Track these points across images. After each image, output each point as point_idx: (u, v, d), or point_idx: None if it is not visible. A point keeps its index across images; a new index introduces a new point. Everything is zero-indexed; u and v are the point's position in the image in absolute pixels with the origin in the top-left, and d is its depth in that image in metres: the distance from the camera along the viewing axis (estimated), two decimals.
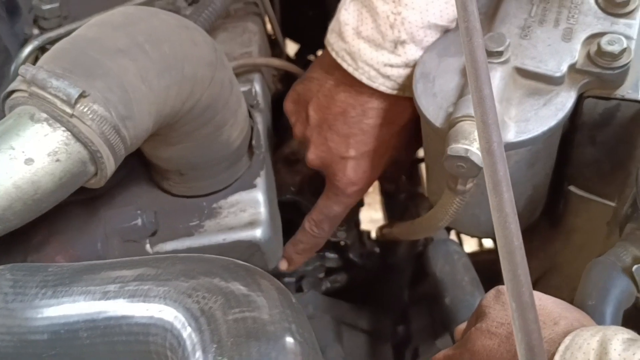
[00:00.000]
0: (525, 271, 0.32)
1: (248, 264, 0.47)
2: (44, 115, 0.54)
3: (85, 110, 0.54)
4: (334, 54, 0.73)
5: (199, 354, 0.40)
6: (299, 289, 0.95)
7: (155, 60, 0.59)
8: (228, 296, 0.42)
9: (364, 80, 0.71)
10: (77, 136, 0.55)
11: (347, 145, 0.78)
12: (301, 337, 0.41)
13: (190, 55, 0.62)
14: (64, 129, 0.54)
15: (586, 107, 0.69)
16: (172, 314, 0.42)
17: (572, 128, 0.71)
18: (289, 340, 0.40)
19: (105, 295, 0.46)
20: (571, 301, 0.61)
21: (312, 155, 0.81)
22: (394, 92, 0.71)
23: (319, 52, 1.42)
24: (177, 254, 0.58)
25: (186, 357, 0.40)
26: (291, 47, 1.47)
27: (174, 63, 0.60)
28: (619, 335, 0.45)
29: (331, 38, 0.73)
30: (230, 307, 0.41)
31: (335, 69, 0.75)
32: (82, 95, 0.54)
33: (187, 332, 0.41)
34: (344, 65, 0.72)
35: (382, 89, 0.71)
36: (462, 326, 0.66)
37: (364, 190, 0.83)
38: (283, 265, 0.88)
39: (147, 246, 0.73)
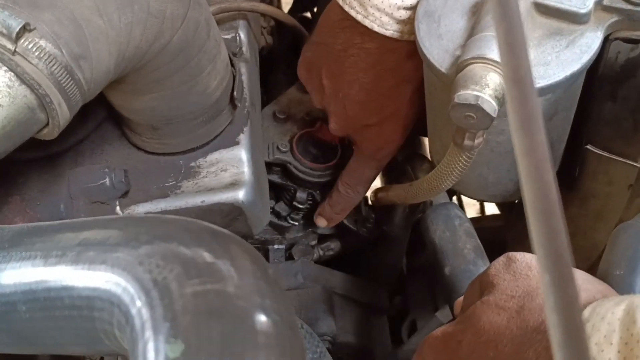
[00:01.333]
0: (563, 237, 0.24)
1: (217, 227, 0.40)
2: None
3: (30, 46, 0.46)
4: (340, 1, 0.64)
5: (148, 334, 0.32)
6: (290, 257, 0.88)
7: None
8: (187, 264, 0.34)
9: (376, 28, 0.63)
10: (21, 77, 0.47)
11: (366, 112, 0.72)
12: (276, 315, 0.34)
13: None
14: (5, 68, 0.47)
15: (608, 56, 0.61)
16: (120, 285, 0.35)
17: (591, 80, 0.64)
18: (261, 318, 0.33)
19: (46, 262, 0.39)
20: (587, 269, 0.53)
21: (334, 125, 0.76)
22: (411, 38, 0.63)
23: (315, 9, 1.35)
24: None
25: (134, 337, 0.33)
26: (285, 8, 1.39)
27: None
28: None
29: None
30: (188, 278, 0.33)
31: (342, 30, 0.68)
32: (25, 29, 0.46)
33: (137, 308, 0.34)
34: (352, 13, 0.63)
35: (396, 36, 0.63)
36: (461, 299, 0.58)
37: (394, 151, 0.79)
38: (322, 223, 0.85)
39: (117, 208, 0.66)
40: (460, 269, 0.68)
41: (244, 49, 0.75)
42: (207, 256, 0.35)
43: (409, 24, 0.61)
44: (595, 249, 0.72)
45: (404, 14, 0.61)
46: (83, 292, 0.36)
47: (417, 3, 0.60)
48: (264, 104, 0.90)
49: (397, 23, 0.62)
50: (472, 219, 1.12)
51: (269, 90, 0.98)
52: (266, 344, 0.32)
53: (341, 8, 0.65)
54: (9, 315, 0.41)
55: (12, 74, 0.47)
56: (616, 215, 0.68)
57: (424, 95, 0.69)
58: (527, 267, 0.48)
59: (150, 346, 0.31)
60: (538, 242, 0.26)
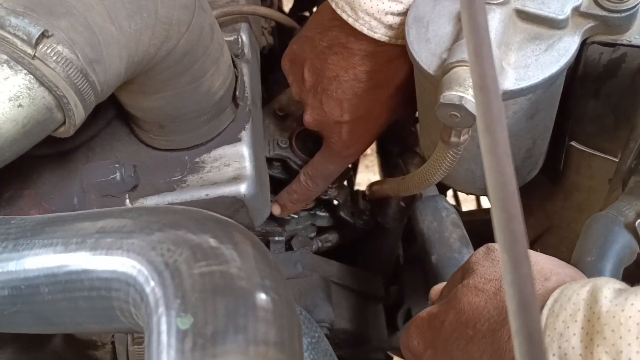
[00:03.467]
0: (519, 221, 0.28)
1: (221, 216, 0.44)
2: (4, 56, 0.50)
3: (48, 51, 0.50)
4: (333, 4, 0.68)
5: (161, 309, 0.36)
6: (289, 248, 0.92)
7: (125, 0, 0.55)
8: (194, 249, 0.38)
9: (365, 31, 0.67)
10: (40, 80, 0.51)
11: (341, 109, 0.76)
12: (275, 294, 0.38)
13: None
14: (25, 71, 0.51)
15: (590, 58, 0.65)
16: (135, 267, 0.39)
17: (573, 79, 0.67)
18: (261, 296, 0.37)
19: (67, 249, 0.43)
20: (569, 260, 0.57)
21: (309, 118, 0.80)
22: (398, 42, 0.67)
23: (315, 9, 1.38)
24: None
25: (149, 313, 0.37)
26: (286, 6, 1.42)
27: (147, 3, 0.56)
28: (610, 285, 0.42)
29: None
30: (196, 260, 0.37)
31: (330, 28, 0.72)
32: (44, 35, 0.50)
33: (150, 287, 0.38)
34: (344, 17, 0.67)
35: (384, 39, 0.67)
36: (439, 287, 0.63)
37: (361, 151, 0.82)
38: (276, 210, 0.88)
39: (127, 202, 0.70)
40: (446, 257, 0.72)
41: (246, 50, 0.79)
42: (212, 241, 0.39)
43: (396, 29, 0.65)
44: (578, 238, 0.76)
45: (391, 19, 0.65)
46: (102, 274, 0.40)
47: (405, 10, 0.64)
48: (265, 101, 0.94)
49: (385, 27, 0.66)
50: (466, 212, 1.16)
51: (269, 89, 1.02)
52: (266, 318, 0.36)
53: (332, 9, 0.69)
54: (32, 298, 0.45)
55: (32, 77, 0.51)
56: (597, 207, 0.72)
57: (400, 99, 0.73)
58: None
59: (164, 320, 0.35)
60: (498, 226, 0.30)
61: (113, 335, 0.68)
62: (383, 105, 0.75)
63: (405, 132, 1.02)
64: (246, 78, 0.76)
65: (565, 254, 0.82)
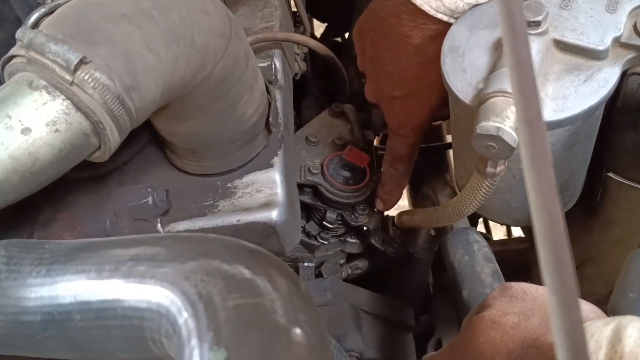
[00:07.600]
0: (568, 262, 0.27)
1: (254, 246, 0.43)
2: (43, 82, 0.51)
3: (86, 77, 0.51)
4: None
5: (194, 342, 0.36)
6: (319, 275, 0.92)
7: (163, 28, 0.55)
8: (228, 280, 0.38)
9: (425, 8, 0.66)
10: (77, 105, 0.51)
11: (393, 84, 0.77)
12: (309, 328, 0.37)
13: (201, 24, 0.58)
14: (63, 97, 0.51)
15: (628, 89, 0.64)
16: (168, 297, 0.39)
17: (612, 110, 0.66)
18: (295, 331, 0.36)
19: (100, 276, 0.43)
20: (607, 294, 0.56)
21: (368, 90, 0.82)
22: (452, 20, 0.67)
23: (347, 34, 1.39)
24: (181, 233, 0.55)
25: (181, 345, 0.37)
26: (317, 30, 1.43)
27: (184, 32, 0.57)
28: (635, 324, 0.41)
29: None
30: (230, 292, 0.37)
31: None
32: (82, 62, 0.51)
33: (183, 318, 0.37)
34: None
35: (445, 19, 0.67)
36: None
37: (418, 129, 0.82)
38: (380, 205, 0.89)
39: (159, 226, 0.70)
40: (477, 292, 0.70)
41: (279, 76, 0.80)
42: (246, 273, 0.39)
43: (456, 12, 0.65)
44: (615, 273, 0.74)
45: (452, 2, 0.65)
46: (135, 304, 0.40)
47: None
48: (297, 127, 0.94)
49: (444, 6, 0.65)
50: (498, 242, 1.14)
51: (301, 114, 1.02)
52: (300, 354, 0.35)
53: None
54: (64, 324, 0.45)
55: (69, 102, 0.51)
56: (636, 240, 0.70)
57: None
58: (522, 291, 0.52)
59: (196, 353, 0.35)
60: (545, 266, 0.29)
61: None
62: (432, 85, 0.73)
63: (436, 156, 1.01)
64: (279, 104, 0.76)
65: (601, 287, 0.81)
